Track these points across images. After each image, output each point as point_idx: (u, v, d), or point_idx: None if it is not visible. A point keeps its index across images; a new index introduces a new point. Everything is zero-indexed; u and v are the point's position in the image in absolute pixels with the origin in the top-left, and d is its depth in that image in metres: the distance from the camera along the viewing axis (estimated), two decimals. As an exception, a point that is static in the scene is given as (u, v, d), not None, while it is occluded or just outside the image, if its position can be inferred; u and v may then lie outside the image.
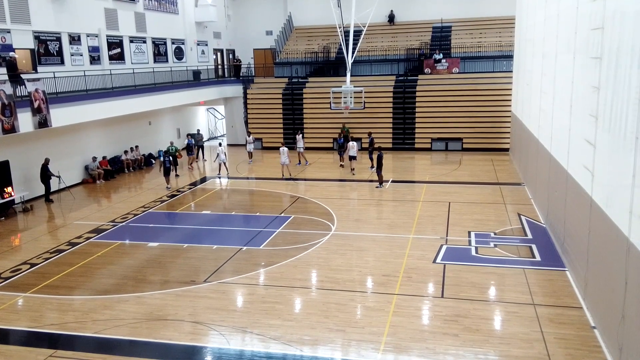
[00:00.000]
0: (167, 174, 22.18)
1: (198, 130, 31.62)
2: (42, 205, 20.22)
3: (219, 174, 23.94)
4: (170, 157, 22.61)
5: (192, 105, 32.87)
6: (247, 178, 23.70)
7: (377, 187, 20.83)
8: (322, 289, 11.75)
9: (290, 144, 30.22)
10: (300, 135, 26.45)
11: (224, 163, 24.02)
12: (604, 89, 9.06)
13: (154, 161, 27.62)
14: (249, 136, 27.24)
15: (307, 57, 33.50)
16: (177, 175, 24.06)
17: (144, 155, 27.28)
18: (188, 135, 27.41)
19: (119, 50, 26.81)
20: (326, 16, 30.98)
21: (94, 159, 23.99)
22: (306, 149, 26.81)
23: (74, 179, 23.14)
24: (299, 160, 25.92)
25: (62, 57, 23.20)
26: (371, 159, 23.95)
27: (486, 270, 12.42)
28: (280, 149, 23.31)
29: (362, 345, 9.31)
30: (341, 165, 24.78)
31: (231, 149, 31.32)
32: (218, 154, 23.97)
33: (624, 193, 7.77)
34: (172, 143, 24.69)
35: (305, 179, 23.14)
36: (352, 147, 23.01)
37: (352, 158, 23.18)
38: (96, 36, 25.25)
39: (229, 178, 23.72)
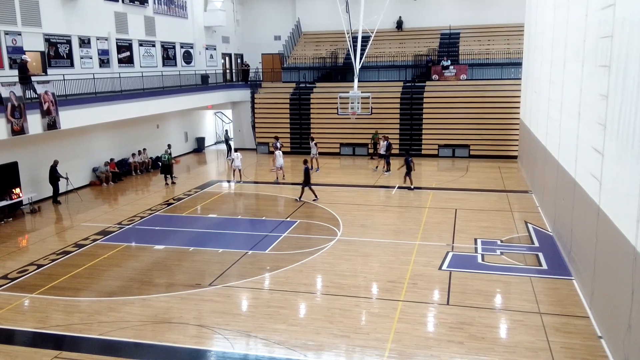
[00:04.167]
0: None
1: (226, 130, 31.89)
2: (49, 206, 20.34)
3: (239, 180, 23.89)
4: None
5: (200, 109, 33.02)
6: (276, 183, 23.42)
7: (313, 199, 19.82)
8: (327, 294, 11.73)
9: (298, 150, 30.33)
10: (314, 142, 26.39)
11: (239, 169, 24.00)
12: (613, 97, 9.03)
13: (160, 164, 27.65)
14: (277, 140, 26.94)
15: (315, 63, 33.59)
16: (169, 184, 23.77)
17: (151, 158, 27.39)
18: (275, 137, 27.00)
19: (128, 53, 27.00)
20: (334, 22, 31.04)
21: (107, 163, 24.12)
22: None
23: (81, 181, 23.27)
24: (311, 166, 25.88)
25: (72, 60, 23.39)
26: (388, 163, 24.69)
27: (492, 277, 12.37)
28: (276, 152, 23.46)
29: (367, 351, 9.28)
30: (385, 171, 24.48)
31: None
32: (233, 160, 24.00)
33: (632, 202, 7.73)
34: (167, 151, 24.27)
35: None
36: (384, 146, 24.90)
37: (382, 156, 25.24)
38: (106, 39, 25.45)
39: (243, 182, 23.74)
